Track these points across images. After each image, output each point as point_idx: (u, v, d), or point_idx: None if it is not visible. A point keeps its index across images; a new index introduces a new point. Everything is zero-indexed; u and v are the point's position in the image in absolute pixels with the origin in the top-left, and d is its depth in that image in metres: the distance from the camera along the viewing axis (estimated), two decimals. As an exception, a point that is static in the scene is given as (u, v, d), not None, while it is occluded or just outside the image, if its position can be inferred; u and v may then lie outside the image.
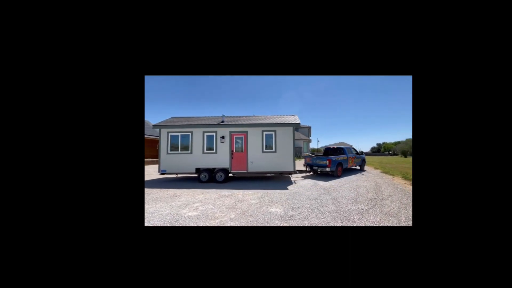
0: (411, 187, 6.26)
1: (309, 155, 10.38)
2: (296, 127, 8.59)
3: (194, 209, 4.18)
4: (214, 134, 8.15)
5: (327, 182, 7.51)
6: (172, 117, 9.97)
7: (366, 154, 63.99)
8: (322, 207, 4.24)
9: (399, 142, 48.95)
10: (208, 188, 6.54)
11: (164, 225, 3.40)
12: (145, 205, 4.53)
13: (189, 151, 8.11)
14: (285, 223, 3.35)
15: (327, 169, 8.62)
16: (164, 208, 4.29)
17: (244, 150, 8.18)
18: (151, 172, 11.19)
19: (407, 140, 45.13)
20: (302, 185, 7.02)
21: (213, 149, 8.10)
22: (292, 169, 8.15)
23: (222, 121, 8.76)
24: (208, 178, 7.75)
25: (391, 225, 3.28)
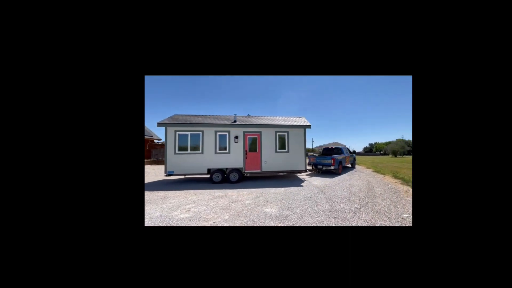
0: (400, 186, 6.59)
1: (313, 155, 11.24)
2: (307, 128, 8.72)
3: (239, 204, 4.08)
4: (227, 134, 7.97)
5: (332, 178, 7.73)
6: (175, 115, 9.26)
7: (359, 153, 67.05)
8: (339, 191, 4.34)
9: (389, 142, 50.62)
10: (229, 188, 6.40)
11: (164, 225, 3.36)
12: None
13: (200, 151, 7.81)
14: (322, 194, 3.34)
15: (332, 167, 9.47)
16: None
17: (257, 150, 8.10)
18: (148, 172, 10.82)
19: (397, 140, 46.81)
20: (311, 181, 7.06)
21: (226, 149, 7.92)
22: (303, 168, 8.50)
23: (234, 121, 8.59)
24: (221, 178, 7.59)
25: (383, 222, 3.35)
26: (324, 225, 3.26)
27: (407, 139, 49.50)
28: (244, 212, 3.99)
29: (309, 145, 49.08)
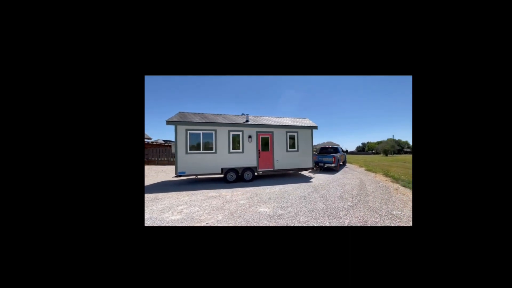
0: (391, 183, 6.92)
1: (315, 154, 12.06)
2: (314, 129, 9.22)
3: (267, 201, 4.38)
4: (240, 133, 8.16)
5: (332, 174, 8.14)
6: (179, 112, 8.77)
7: (352, 152, 69.37)
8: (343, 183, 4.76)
9: (381, 142, 52.38)
10: (245, 187, 6.66)
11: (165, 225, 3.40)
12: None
13: (213, 151, 7.80)
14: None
15: (332, 165, 10.38)
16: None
17: (270, 150, 8.39)
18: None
19: (388, 140, 48.50)
20: (318, 177, 7.47)
21: (239, 148, 8.13)
22: (311, 166, 9.11)
23: (247, 121, 8.80)
24: (235, 177, 7.79)
25: (374, 219, 3.48)
26: (324, 225, 3.33)
27: (397, 138, 51.44)
28: (290, 200, 4.52)
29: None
